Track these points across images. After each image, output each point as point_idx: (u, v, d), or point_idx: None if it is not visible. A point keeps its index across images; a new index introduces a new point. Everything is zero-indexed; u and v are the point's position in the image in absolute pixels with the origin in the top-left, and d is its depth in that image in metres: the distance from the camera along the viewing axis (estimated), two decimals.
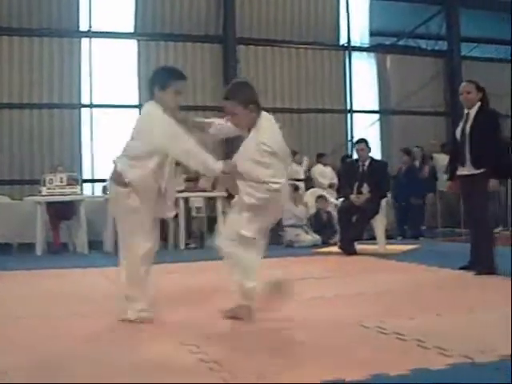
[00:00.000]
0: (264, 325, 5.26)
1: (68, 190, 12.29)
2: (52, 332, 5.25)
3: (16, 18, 15.12)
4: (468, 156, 7.73)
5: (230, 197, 10.18)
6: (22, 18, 15.16)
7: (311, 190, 14.25)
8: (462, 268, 7.93)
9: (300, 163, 15.43)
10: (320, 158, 15.70)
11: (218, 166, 5.17)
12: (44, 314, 6.01)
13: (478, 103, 7.80)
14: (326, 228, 12.95)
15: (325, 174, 15.33)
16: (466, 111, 7.95)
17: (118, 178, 5.37)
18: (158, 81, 5.41)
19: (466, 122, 7.83)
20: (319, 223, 13.06)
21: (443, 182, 15.05)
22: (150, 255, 5.46)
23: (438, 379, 3.68)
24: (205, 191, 12.85)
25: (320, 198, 13.42)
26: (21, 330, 5.33)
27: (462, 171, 7.87)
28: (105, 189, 12.34)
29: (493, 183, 7.58)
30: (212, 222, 12.81)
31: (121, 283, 5.55)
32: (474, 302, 6.07)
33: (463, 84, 8.04)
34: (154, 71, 5.68)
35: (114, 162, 5.51)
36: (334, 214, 12.90)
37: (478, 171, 7.65)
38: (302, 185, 14.46)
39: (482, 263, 7.66)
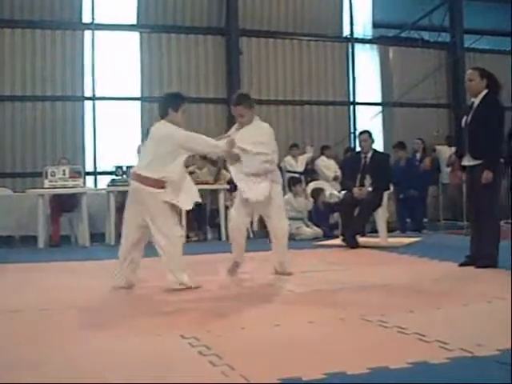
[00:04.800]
0: (264, 318, 5.28)
1: (70, 182, 12.27)
2: (52, 325, 5.26)
3: (18, 9, 15.08)
4: (467, 146, 7.69)
5: (232, 189, 10.23)
6: (24, 10, 15.12)
7: (313, 183, 14.21)
8: (461, 265, 7.85)
9: (294, 156, 15.41)
10: (324, 150, 15.71)
11: (222, 144, 6.97)
12: (44, 307, 6.03)
13: (485, 91, 7.67)
14: (325, 220, 12.89)
15: (329, 166, 15.33)
16: (472, 100, 7.87)
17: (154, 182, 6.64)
18: (172, 104, 6.87)
19: (469, 111, 7.76)
20: (319, 216, 12.98)
21: (446, 175, 15.09)
22: None
23: (438, 373, 3.69)
24: (207, 183, 12.81)
25: (316, 190, 13.31)
26: (20, 324, 5.34)
27: (464, 162, 7.83)
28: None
29: (486, 175, 7.48)
30: (214, 214, 12.83)
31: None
32: (472, 296, 6.08)
33: (467, 71, 7.96)
34: (165, 97, 7.26)
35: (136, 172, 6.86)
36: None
37: (477, 162, 7.60)
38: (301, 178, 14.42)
39: (484, 256, 7.62)
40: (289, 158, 15.35)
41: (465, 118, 7.80)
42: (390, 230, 12.14)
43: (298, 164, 15.35)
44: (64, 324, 5.27)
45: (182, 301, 6.17)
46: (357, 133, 15.84)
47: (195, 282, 6.73)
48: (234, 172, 7.31)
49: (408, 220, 13.80)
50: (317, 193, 13.21)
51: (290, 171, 14.91)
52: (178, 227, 6.91)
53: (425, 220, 14.31)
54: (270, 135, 7.20)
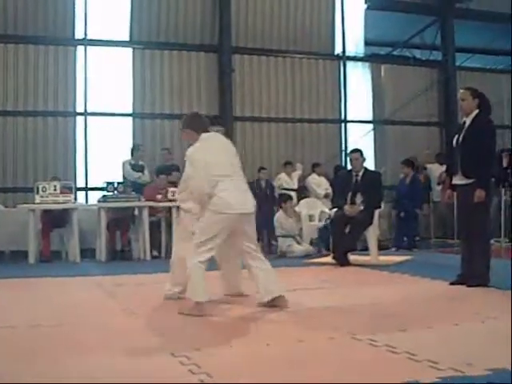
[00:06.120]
0: (254, 337, 5.28)
1: (61, 198, 12.25)
2: (42, 342, 5.23)
3: (12, 25, 15.06)
4: (459, 165, 7.72)
5: None
6: (17, 26, 15.11)
7: (305, 200, 14.21)
8: (452, 283, 7.86)
9: (289, 174, 15.46)
10: (315, 167, 15.71)
11: None
12: (34, 323, 5.99)
13: (476, 111, 7.73)
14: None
15: (320, 183, 15.33)
16: (463, 119, 7.91)
17: None
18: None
19: (461, 130, 7.80)
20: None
21: (437, 193, 15.11)
22: None
23: None
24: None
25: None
26: (10, 340, 5.33)
27: (455, 180, 7.85)
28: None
29: (479, 194, 7.51)
30: None
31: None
32: (464, 315, 6.08)
33: (459, 91, 8.03)
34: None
35: None
36: None
37: (469, 181, 7.62)
38: (294, 195, 14.42)
39: (475, 275, 7.63)
40: (283, 176, 15.38)
41: (456, 136, 7.83)
42: (382, 248, 12.15)
43: (293, 181, 15.40)
44: (54, 341, 5.25)
45: (174, 319, 6.16)
46: (348, 151, 15.86)
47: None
48: None
49: (405, 238, 13.84)
50: None
51: (286, 188, 14.91)
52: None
53: (417, 238, 14.32)
54: (188, 161, 6.76)
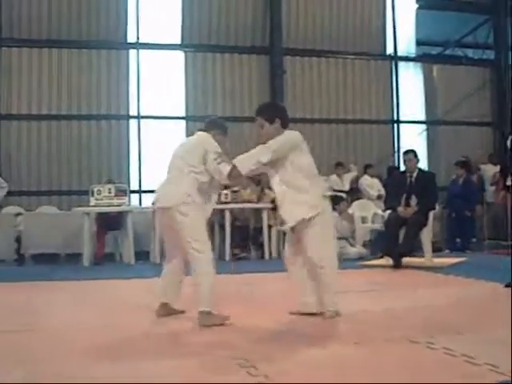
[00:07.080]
0: (310, 339, 5.28)
1: (116, 201, 12.39)
2: (93, 343, 5.28)
3: (65, 30, 15.32)
4: None
5: (275, 208, 10.16)
6: (71, 31, 15.35)
7: (358, 202, 14.15)
8: (508, 285, 7.73)
9: (340, 175, 15.41)
10: (368, 168, 15.65)
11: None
12: (90, 324, 6.09)
13: None
14: None
15: (373, 185, 15.25)
16: None
17: None
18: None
19: None
20: None
21: (490, 193, 14.93)
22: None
23: None
24: (250, 202, 12.84)
25: None
26: (62, 341, 5.41)
27: (510, 181, 7.76)
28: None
29: None
30: (257, 232, 12.83)
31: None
32: None
33: None
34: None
35: None
36: None
37: None
38: (345, 196, 14.31)
39: None
40: (334, 177, 15.32)
41: (510, 137, 7.74)
42: (435, 249, 12.05)
43: (343, 183, 15.33)
44: (105, 343, 5.29)
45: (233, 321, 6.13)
46: (401, 151, 15.76)
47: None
48: None
49: (458, 240, 13.73)
50: None
51: (336, 190, 14.84)
52: None
53: (473, 240, 14.22)
54: None
